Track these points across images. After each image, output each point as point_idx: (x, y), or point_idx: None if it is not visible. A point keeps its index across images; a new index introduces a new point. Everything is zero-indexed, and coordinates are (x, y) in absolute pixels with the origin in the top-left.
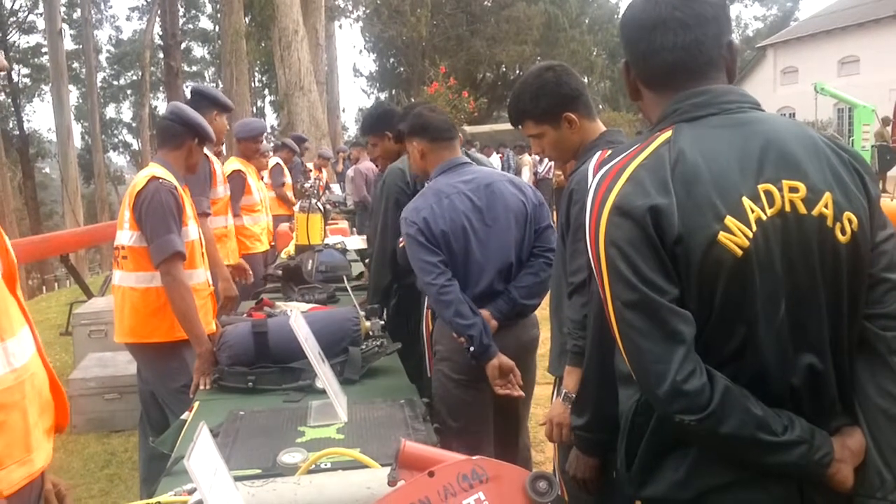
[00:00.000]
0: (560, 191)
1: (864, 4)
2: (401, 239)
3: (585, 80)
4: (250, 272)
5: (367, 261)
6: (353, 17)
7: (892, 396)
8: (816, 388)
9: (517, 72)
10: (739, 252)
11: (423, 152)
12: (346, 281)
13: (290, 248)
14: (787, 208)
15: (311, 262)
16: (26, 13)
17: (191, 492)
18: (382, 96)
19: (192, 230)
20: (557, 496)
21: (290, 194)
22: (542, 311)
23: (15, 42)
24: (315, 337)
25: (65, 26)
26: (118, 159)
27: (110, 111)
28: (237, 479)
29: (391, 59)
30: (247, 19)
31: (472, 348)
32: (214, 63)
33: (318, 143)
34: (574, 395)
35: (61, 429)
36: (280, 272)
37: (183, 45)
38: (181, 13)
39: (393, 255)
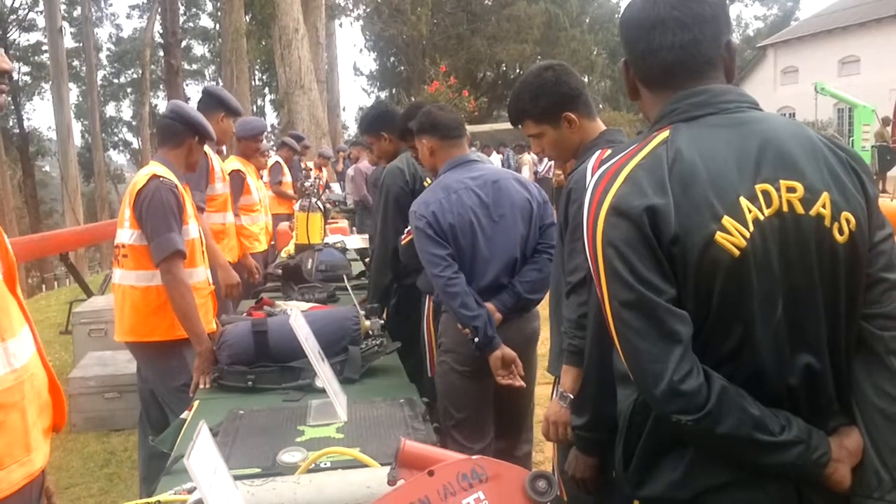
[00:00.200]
0: (560, 190)
1: (865, 4)
2: (402, 237)
3: (586, 80)
4: (257, 268)
5: (367, 260)
6: (353, 16)
7: (890, 396)
8: (814, 388)
9: (517, 71)
10: (736, 252)
11: (432, 149)
12: (346, 280)
13: (290, 248)
14: (785, 208)
15: (311, 261)
16: (26, 11)
17: (190, 491)
18: (383, 95)
19: (193, 228)
20: (556, 496)
21: (289, 192)
22: (543, 311)
23: (15, 40)
24: (315, 336)
25: (65, 24)
26: (118, 158)
27: (110, 109)
28: (237, 478)
29: (391, 58)
30: (247, 17)
31: (476, 339)
32: (215, 61)
33: (319, 141)
34: (570, 395)
35: (58, 429)
36: (280, 271)
37: (183, 44)
38: (181, 11)
39: (394, 255)
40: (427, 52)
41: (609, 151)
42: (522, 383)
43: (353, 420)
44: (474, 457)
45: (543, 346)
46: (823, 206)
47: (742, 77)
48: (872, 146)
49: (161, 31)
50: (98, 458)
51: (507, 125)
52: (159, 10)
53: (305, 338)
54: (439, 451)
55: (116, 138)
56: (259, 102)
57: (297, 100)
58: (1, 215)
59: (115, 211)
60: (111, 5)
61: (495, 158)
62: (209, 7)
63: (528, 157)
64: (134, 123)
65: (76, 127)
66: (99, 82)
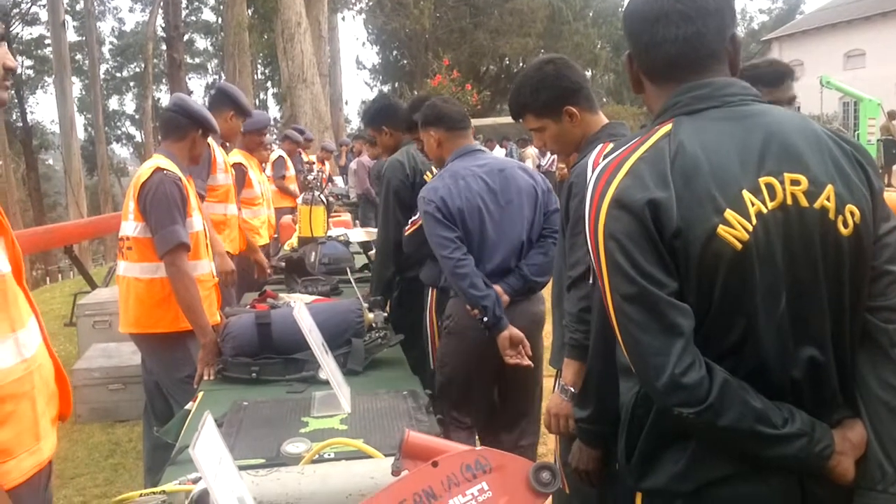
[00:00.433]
0: (564, 183)
1: None
2: (406, 227)
3: (589, 73)
4: (265, 263)
5: (370, 253)
6: (356, 9)
7: (894, 389)
8: (817, 381)
9: (520, 64)
10: (739, 245)
11: (439, 141)
12: (349, 273)
13: (294, 241)
14: (789, 201)
15: (314, 254)
16: (29, 5)
17: (195, 481)
18: (385, 89)
19: (197, 221)
20: (558, 488)
21: (293, 187)
22: (545, 305)
23: (18, 34)
24: (318, 328)
25: (68, 18)
26: (121, 151)
27: (113, 103)
28: (241, 468)
29: (394, 52)
30: (249, 11)
31: (485, 318)
32: (217, 55)
33: (321, 135)
34: (571, 388)
35: (64, 418)
36: (283, 264)
37: (186, 37)
38: (184, 5)
39: (396, 247)
40: (430, 46)
41: (611, 145)
42: (530, 363)
43: (357, 412)
44: (478, 448)
45: (546, 339)
46: (828, 199)
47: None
48: (878, 140)
49: (163, 25)
50: (103, 448)
51: (511, 119)
52: (161, 3)
53: (309, 330)
54: (443, 442)
55: (119, 132)
56: (262, 96)
57: (299, 94)
58: (5, 208)
59: (119, 204)
60: None
61: (498, 152)
62: (211, 1)
63: (532, 151)
64: (137, 117)
65: (79, 120)
66: (102, 76)
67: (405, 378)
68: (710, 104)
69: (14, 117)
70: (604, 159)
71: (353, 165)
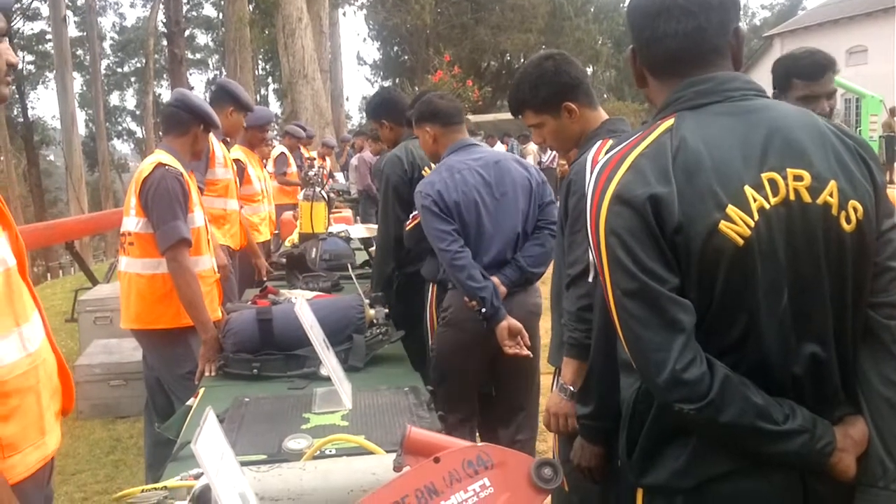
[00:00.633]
0: (563, 180)
1: None
2: (407, 222)
3: (590, 70)
4: (266, 268)
5: (371, 249)
6: (356, 5)
7: None
8: (819, 377)
9: (522, 60)
10: (740, 241)
11: (434, 136)
12: (350, 269)
13: (294, 237)
14: (792, 197)
15: (314, 250)
16: (31, 0)
17: (197, 477)
18: (386, 85)
19: (198, 217)
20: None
21: (294, 181)
22: (544, 302)
23: (19, 29)
24: (320, 324)
25: (69, 13)
26: (122, 147)
27: (114, 98)
28: (243, 464)
29: (395, 48)
30: (250, 7)
31: (483, 310)
32: (218, 50)
33: (322, 131)
34: (571, 387)
35: (66, 413)
36: (284, 260)
37: (187, 33)
38: (185, 0)
39: (395, 243)
40: (431, 42)
41: (610, 142)
42: (529, 353)
43: (358, 408)
44: (480, 444)
45: (545, 337)
46: (831, 195)
47: (748, 66)
48: (880, 136)
49: (164, 21)
50: (104, 444)
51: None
52: None
53: (310, 326)
54: (445, 438)
55: (120, 127)
56: (262, 92)
57: (300, 89)
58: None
59: (119, 200)
60: None
61: (499, 148)
62: None
63: (533, 148)
64: (138, 113)
65: (80, 116)
66: (103, 71)
67: (406, 374)
68: (713, 99)
69: (15, 113)
70: (605, 155)
71: (354, 161)
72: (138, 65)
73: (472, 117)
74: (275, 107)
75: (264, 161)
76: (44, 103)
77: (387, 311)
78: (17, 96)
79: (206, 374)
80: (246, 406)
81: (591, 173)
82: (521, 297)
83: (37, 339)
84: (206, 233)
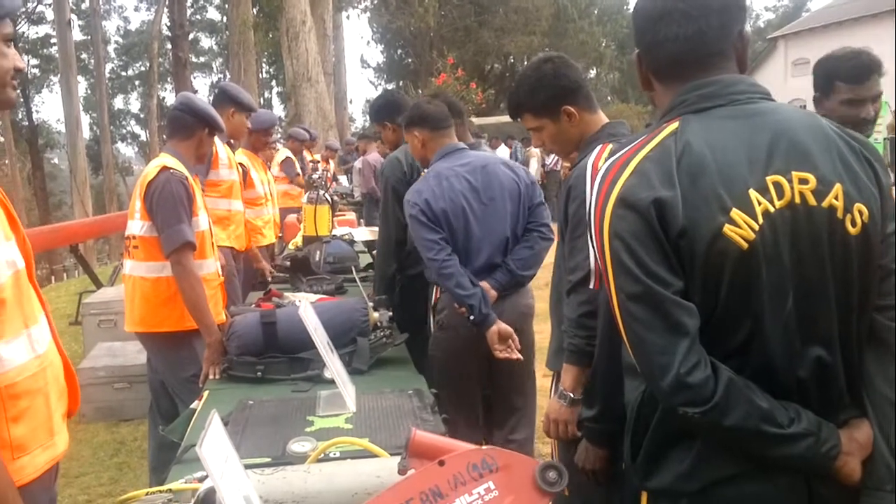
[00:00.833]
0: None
1: None
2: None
3: (594, 72)
4: (269, 270)
5: (374, 252)
6: (360, 8)
7: None
8: (824, 381)
9: (525, 63)
10: (745, 245)
11: (423, 141)
12: (354, 272)
13: (298, 240)
14: (797, 200)
15: (318, 253)
16: (35, 4)
17: (201, 479)
18: (390, 87)
19: (203, 220)
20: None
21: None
22: (542, 305)
23: (24, 33)
24: (323, 327)
25: (73, 17)
26: (126, 150)
27: (118, 102)
28: (247, 467)
29: (399, 50)
30: (255, 10)
31: (472, 317)
32: (222, 54)
33: (326, 134)
34: (571, 394)
35: (72, 414)
36: (288, 263)
37: (191, 36)
38: (189, 3)
39: (397, 245)
40: (434, 45)
41: (611, 146)
42: (520, 356)
43: (362, 411)
44: (485, 447)
45: (544, 342)
46: (836, 198)
47: (752, 69)
48: (885, 138)
49: (168, 24)
50: (108, 447)
51: None
52: (167, 2)
53: (314, 329)
54: (450, 441)
55: (125, 131)
56: (266, 95)
57: (304, 92)
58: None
59: (124, 203)
60: None
61: (503, 151)
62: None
63: (536, 151)
64: (142, 116)
65: (85, 119)
66: (107, 75)
67: (410, 377)
68: (717, 102)
69: (20, 116)
70: (608, 158)
71: (357, 164)
72: (142, 68)
73: (475, 120)
74: (278, 110)
75: (268, 164)
76: (48, 107)
77: (391, 313)
78: (21, 100)
79: (211, 376)
80: (250, 409)
81: (595, 177)
82: (514, 298)
83: (45, 341)
84: (210, 236)
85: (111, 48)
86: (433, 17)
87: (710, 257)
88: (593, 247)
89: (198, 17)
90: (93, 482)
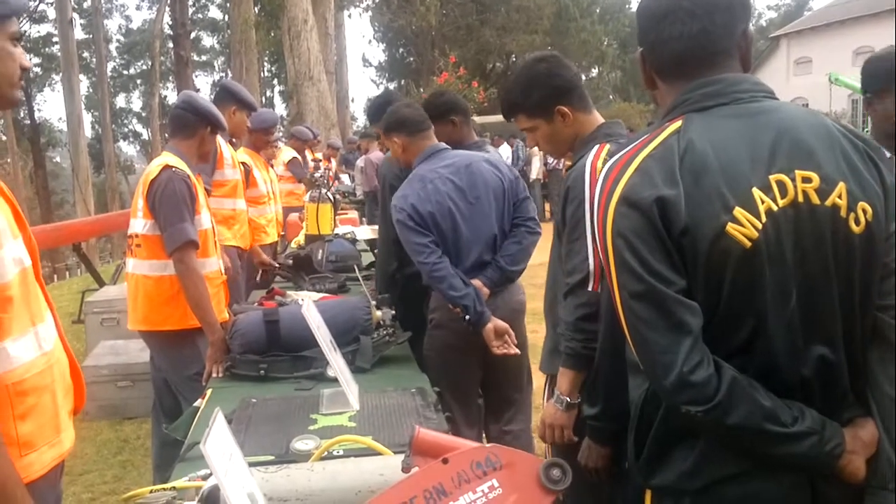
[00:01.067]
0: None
1: None
2: None
3: (596, 71)
4: (268, 261)
5: (376, 250)
6: (362, 7)
7: None
8: (828, 380)
9: None
10: (748, 243)
11: (403, 146)
12: (356, 270)
13: (300, 238)
14: (800, 199)
15: (321, 251)
16: (37, 2)
17: (205, 477)
18: (392, 86)
19: (205, 219)
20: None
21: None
22: (535, 304)
23: (26, 31)
24: (326, 326)
25: (75, 16)
26: (128, 149)
27: (120, 101)
28: (251, 464)
29: (400, 49)
30: (256, 9)
31: (468, 317)
32: (224, 52)
33: (328, 133)
34: (567, 398)
35: (78, 411)
36: (290, 262)
37: (192, 35)
38: (191, 2)
39: (396, 242)
40: (436, 43)
41: (608, 146)
42: (517, 350)
43: (365, 409)
44: (488, 445)
45: (539, 340)
46: (839, 197)
47: (755, 67)
48: None
49: (170, 23)
50: (111, 445)
51: None
52: (168, 1)
53: (317, 327)
54: (453, 439)
55: (126, 129)
56: (268, 94)
57: (306, 91)
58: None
59: (126, 202)
60: None
61: (505, 149)
62: None
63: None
64: (144, 114)
65: (86, 118)
66: (109, 73)
67: (413, 376)
68: (720, 101)
69: (22, 115)
70: (611, 157)
71: (360, 163)
72: (144, 67)
73: (477, 118)
74: (280, 108)
75: (270, 163)
76: (50, 105)
77: (393, 312)
78: (23, 98)
79: (214, 375)
80: (253, 407)
81: (594, 177)
82: (505, 295)
83: (51, 339)
84: (213, 235)
85: (113, 47)
86: (435, 15)
87: (713, 256)
88: (596, 245)
89: (199, 15)
90: (96, 480)
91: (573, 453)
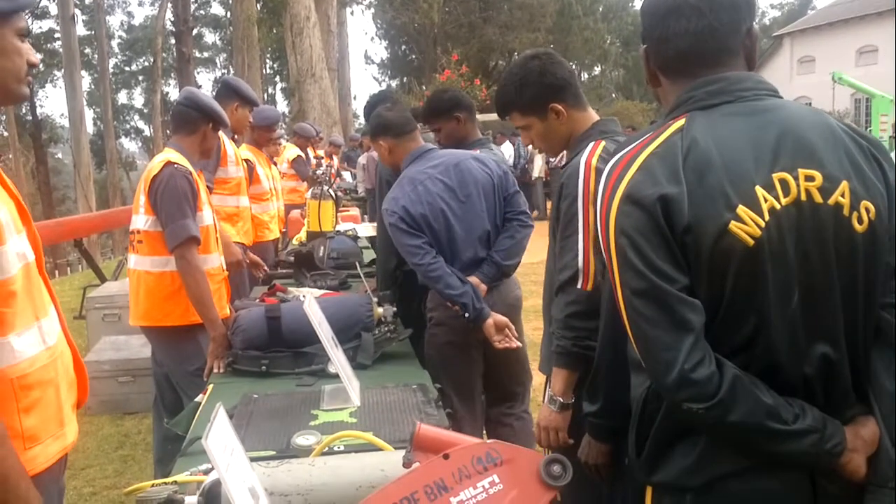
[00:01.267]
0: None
1: None
2: None
3: (598, 69)
4: (264, 266)
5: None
6: (364, 4)
7: None
8: (830, 378)
9: None
10: (751, 241)
11: (389, 149)
12: (358, 267)
13: (302, 235)
14: (803, 197)
15: (322, 248)
16: None
17: (206, 472)
18: (394, 84)
19: (207, 215)
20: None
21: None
22: (536, 301)
23: (28, 28)
24: (328, 322)
25: (77, 12)
26: (130, 145)
27: (122, 97)
28: (252, 460)
29: (403, 47)
30: (258, 5)
31: (467, 314)
32: (226, 49)
33: (330, 130)
34: (560, 398)
35: (81, 404)
36: (292, 258)
37: (194, 32)
38: None
39: None
40: (439, 41)
41: (603, 143)
42: (519, 344)
43: (366, 405)
44: (489, 440)
45: (538, 337)
46: (842, 195)
47: (758, 66)
48: (890, 136)
49: (172, 19)
50: (112, 440)
51: None
52: None
53: (319, 323)
54: (454, 434)
55: (128, 126)
56: (270, 91)
57: (308, 88)
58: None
59: (127, 198)
60: None
61: (507, 147)
62: None
63: None
64: (145, 111)
65: (88, 114)
66: (111, 70)
67: (414, 372)
68: (724, 99)
69: (24, 111)
70: (609, 155)
71: (362, 160)
72: (146, 63)
73: (479, 116)
74: (282, 106)
75: (273, 160)
76: (52, 101)
77: (395, 309)
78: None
79: (215, 370)
80: (254, 403)
81: (588, 174)
82: (502, 290)
83: (54, 333)
84: (214, 231)
85: (115, 43)
86: (437, 13)
87: (716, 254)
88: (589, 243)
89: (201, 12)
90: (97, 474)
91: (573, 450)
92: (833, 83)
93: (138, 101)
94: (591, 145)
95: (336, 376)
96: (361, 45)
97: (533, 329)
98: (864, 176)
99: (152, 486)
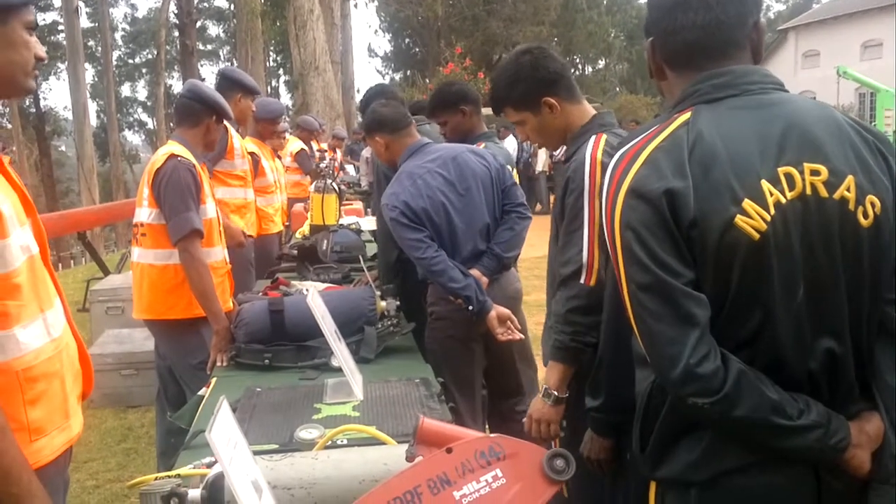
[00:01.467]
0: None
1: None
2: None
3: (602, 63)
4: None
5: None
6: None
7: None
8: (835, 373)
9: None
10: (756, 236)
11: (385, 145)
12: (361, 261)
13: (305, 228)
14: (808, 191)
15: (325, 242)
16: None
17: (209, 465)
18: (397, 77)
19: (210, 208)
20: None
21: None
22: (538, 295)
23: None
24: (331, 316)
25: (81, 4)
26: (133, 138)
27: (125, 90)
28: (255, 453)
29: (406, 40)
30: None
31: (470, 307)
32: (229, 42)
33: (333, 123)
34: (555, 392)
35: (86, 396)
36: (295, 252)
37: (198, 24)
38: None
39: None
40: (442, 34)
41: (605, 136)
42: (521, 336)
43: (369, 399)
44: (492, 435)
45: (540, 330)
46: (848, 190)
47: (762, 60)
48: (894, 131)
49: (176, 12)
50: (115, 433)
51: None
52: None
53: (322, 317)
54: (457, 429)
55: (132, 119)
56: (273, 83)
57: (311, 81)
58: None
59: (130, 191)
60: None
61: (511, 141)
62: None
63: None
64: (149, 104)
65: (92, 107)
66: (114, 63)
67: (417, 366)
68: (730, 92)
69: (27, 103)
70: (612, 148)
71: (365, 154)
72: (150, 56)
73: (483, 110)
74: (286, 99)
75: (277, 153)
76: (56, 94)
77: (398, 303)
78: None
79: (218, 364)
80: (258, 396)
81: (594, 168)
82: (502, 283)
83: (60, 325)
84: (218, 224)
85: (118, 36)
86: (441, 6)
87: (722, 248)
88: (594, 238)
89: (205, 4)
90: (101, 468)
91: (575, 445)
92: (837, 77)
93: (142, 93)
94: (592, 139)
95: (339, 370)
96: (365, 38)
97: (536, 324)
98: (869, 170)
99: (155, 479)
